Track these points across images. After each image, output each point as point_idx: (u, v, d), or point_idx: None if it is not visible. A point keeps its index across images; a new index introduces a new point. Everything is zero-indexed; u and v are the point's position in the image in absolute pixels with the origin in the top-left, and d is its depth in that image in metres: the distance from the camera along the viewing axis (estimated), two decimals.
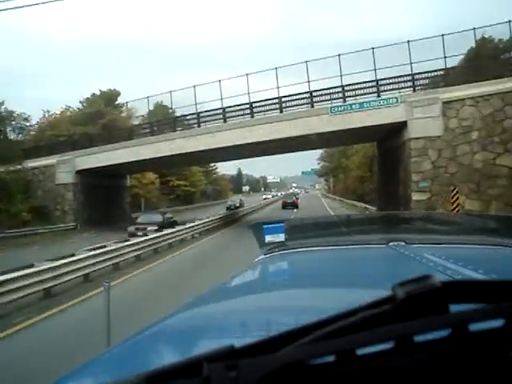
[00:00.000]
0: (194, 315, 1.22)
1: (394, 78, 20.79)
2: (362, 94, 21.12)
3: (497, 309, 0.47)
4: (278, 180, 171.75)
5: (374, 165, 32.35)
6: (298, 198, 44.65)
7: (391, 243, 1.79)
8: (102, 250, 11.60)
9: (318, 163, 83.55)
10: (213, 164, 70.70)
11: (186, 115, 26.77)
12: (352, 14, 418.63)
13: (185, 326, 1.12)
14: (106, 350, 1.18)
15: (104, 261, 11.26)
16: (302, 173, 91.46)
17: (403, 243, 1.79)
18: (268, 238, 2.03)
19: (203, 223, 22.71)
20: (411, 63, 20.24)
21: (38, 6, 15.44)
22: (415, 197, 18.11)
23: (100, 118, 34.62)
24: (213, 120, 24.31)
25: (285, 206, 40.05)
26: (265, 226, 2.07)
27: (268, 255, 1.93)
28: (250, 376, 0.44)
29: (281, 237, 2.03)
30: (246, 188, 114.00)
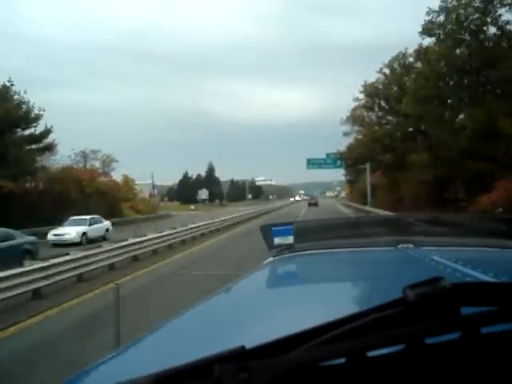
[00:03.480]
0: (204, 316, 1.23)
1: None
2: None
3: (508, 312, 0.47)
4: (273, 182, 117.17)
5: None
6: (318, 199, 73.63)
7: (400, 245, 1.79)
8: None
9: (346, 134, 38.32)
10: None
11: None
12: (365, 16, 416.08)
13: (195, 327, 1.13)
14: (116, 350, 1.19)
15: None
16: (308, 162, 48.00)
17: (412, 245, 1.78)
18: (277, 240, 2.02)
19: None
20: None
21: None
22: None
23: None
24: None
25: (310, 204, 62.37)
26: (273, 228, 2.07)
27: (277, 257, 1.93)
28: (262, 377, 0.44)
29: (289, 239, 2.02)
30: (203, 194, 60.98)
